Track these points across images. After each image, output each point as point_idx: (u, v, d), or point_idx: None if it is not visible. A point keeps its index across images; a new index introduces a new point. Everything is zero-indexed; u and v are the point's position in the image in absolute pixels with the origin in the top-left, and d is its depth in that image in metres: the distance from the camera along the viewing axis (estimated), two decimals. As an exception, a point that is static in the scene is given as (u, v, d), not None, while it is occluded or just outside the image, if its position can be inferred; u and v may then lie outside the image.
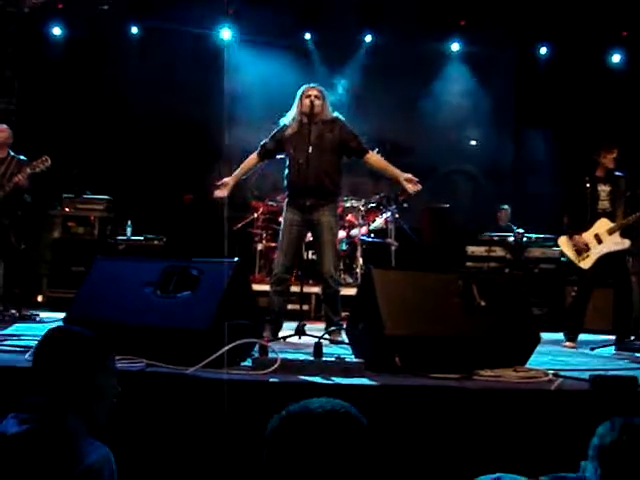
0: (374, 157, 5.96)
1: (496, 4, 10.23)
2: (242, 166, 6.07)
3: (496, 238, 9.47)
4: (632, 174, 6.72)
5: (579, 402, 3.54)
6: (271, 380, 3.56)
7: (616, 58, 10.89)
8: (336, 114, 5.92)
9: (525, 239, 9.30)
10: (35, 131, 9.62)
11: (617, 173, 6.64)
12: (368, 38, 11.08)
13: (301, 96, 5.82)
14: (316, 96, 5.77)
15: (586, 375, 3.87)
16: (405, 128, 10.98)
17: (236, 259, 4.15)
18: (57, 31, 10.62)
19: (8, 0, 9.76)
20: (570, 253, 6.65)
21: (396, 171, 5.81)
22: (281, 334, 5.65)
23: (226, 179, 5.99)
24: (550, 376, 3.97)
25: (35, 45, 10.24)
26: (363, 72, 11.19)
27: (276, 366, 3.70)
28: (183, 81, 10.76)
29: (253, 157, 6.03)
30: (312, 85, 5.90)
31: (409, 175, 5.70)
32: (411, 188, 5.69)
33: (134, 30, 10.75)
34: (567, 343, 6.44)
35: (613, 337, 6.43)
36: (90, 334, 2.33)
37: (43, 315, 7.07)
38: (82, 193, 9.27)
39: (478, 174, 11.33)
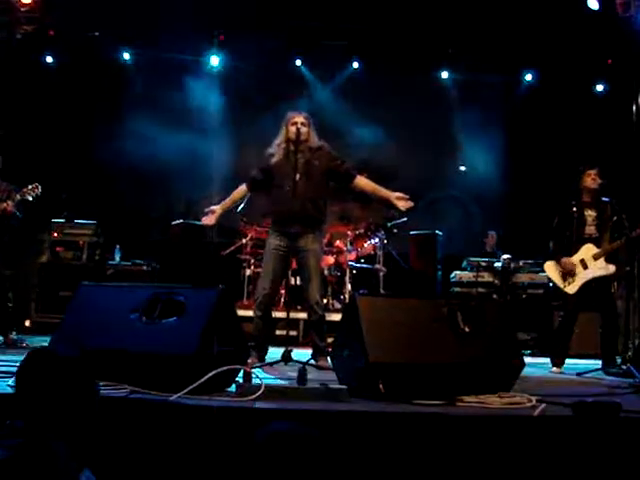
0: (363, 180, 5.99)
1: (483, 32, 10.35)
2: (231, 196, 6.10)
3: (484, 263, 9.52)
4: (617, 200, 6.78)
5: (561, 428, 3.55)
6: (255, 406, 3.56)
7: (599, 87, 11.04)
8: (322, 142, 5.95)
9: (512, 264, 9.34)
10: (24, 156, 9.64)
11: (603, 199, 6.69)
12: (355, 64, 11.17)
13: (287, 123, 5.85)
14: (302, 123, 5.80)
15: (570, 401, 3.87)
16: (392, 154, 11.05)
17: (221, 286, 4.16)
18: (49, 58, 10.67)
19: (1, 27, 9.84)
20: (556, 278, 6.68)
21: (386, 191, 5.88)
22: (268, 359, 5.65)
23: (214, 207, 6.03)
24: (534, 402, 3.97)
25: (26, 71, 10.29)
26: (350, 98, 11.29)
27: (260, 392, 3.69)
28: (172, 107, 10.83)
29: (242, 188, 6.06)
30: (298, 112, 5.93)
31: (399, 193, 5.78)
32: (403, 205, 5.77)
33: (125, 56, 10.81)
34: (553, 368, 6.46)
35: (599, 362, 6.45)
36: (72, 355, 2.30)
37: (30, 341, 7.03)
38: (71, 218, 9.28)
39: (466, 200, 11.40)
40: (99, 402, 2.38)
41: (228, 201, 6.09)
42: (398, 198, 5.76)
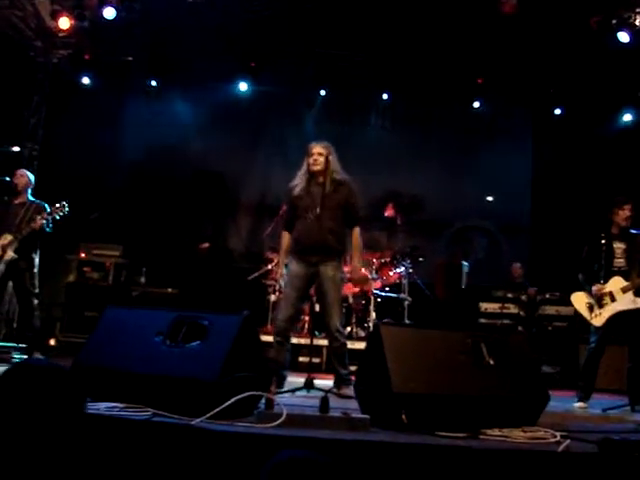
0: (356, 233, 6.06)
1: (513, 63, 10.36)
2: (283, 248, 6.14)
3: (510, 295, 9.44)
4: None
5: (586, 465, 3.48)
6: (277, 434, 3.54)
7: (627, 117, 10.97)
8: (346, 177, 5.98)
9: (539, 296, 9.26)
10: (56, 176, 9.80)
11: (632, 231, 6.63)
12: (384, 96, 11.19)
13: (307, 154, 5.92)
14: (319, 153, 5.83)
15: (596, 437, 3.80)
16: (422, 183, 11.08)
17: (245, 311, 4.17)
18: (84, 80, 10.84)
19: (38, 51, 10.08)
20: (582, 310, 6.60)
21: (356, 256, 6.07)
22: (291, 386, 5.63)
23: (279, 270, 6.17)
24: (559, 437, 3.91)
25: (61, 93, 10.48)
26: (378, 128, 11.35)
27: (282, 420, 3.68)
28: (200, 131, 10.97)
29: (286, 235, 6.10)
30: (317, 142, 5.96)
31: (354, 267, 6.13)
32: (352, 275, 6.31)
33: (153, 83, 10.95)
34: (579, 403, 6.35)
35: (626, 398, 6.34)
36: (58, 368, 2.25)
37: (54, 359, 7.08)
38: (99, 239, 9.38)
39: (494, 230, 11.36)
40: (86, 418, 2.28)
41: (282, 254, 6.15)
42: (353, 269, 6.20)
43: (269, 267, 9.17)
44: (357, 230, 6.03)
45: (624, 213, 6.58)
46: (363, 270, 8.95)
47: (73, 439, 2.17)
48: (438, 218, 10.95)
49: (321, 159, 5.81)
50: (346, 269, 6.70)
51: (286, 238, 6.08)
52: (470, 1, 9.36)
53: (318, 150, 5.85)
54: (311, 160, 5.82)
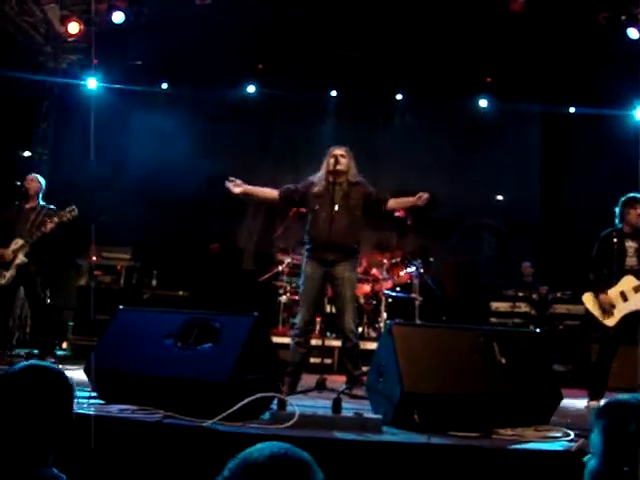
0: (392, 202, 6.12)
1: (522, 61, 10.33)
2: (261, 189, 6.32)
3: (521, 294, 9.41)
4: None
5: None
6: (289, 434, 3.54)
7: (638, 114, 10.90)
8: (360, 177, 6.08)
9: (550, 295, 9.22)
10: (66, 181, 9.85)
11: None
12: (399, 96, 11.17)
13: (328, 156, 6.00)
14: (342, 155, 5.98)
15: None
16: (432, 182, 11.06)
17: (256, 313, 4.17)
18: (92, 84, 10.89)
19: (48, 56, 10.13)
20: (594, 310, 6.55)
21: (410, 200, 6.02)
22: (302, 387, 5.64)
23: (239, 181, 6.11)
24: (572, 436, 3.90)
25: (70, 98, 10.53)
26: (387, 127, 11.36)
27: (294, 420, 3.69)
28: (209, 133, 10.99)
29: (274, 192, 6.21)
30: (339, 146, 6.10)
31: (420, 194, 5.93)
32: (421, 202, 5.91)
33: (164, 85, 10.97)
34: (591, 402, 6.32)
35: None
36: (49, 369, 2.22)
37: (66, 362, 7.11)
38: (109, 243, 9.41)
39: (504, 229, 11.32)
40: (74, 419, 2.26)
41: (256, 189, 6.26)
42: (417, 198, 5.91)
43: (279, 268, 9.17)
44: (391, 199, 6.09)
45: (636, 212, 6.54)
46: (374, 271, 8.97)
47: (61, 442, 2.17)
48: (449, 217, 10.92)
49: (344, 161, 5.95)
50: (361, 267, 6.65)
51: (270, 192, 6.24)
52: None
53: (340, 152, 6.00)
54: (332, 161, 5.90)
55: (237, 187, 6.07)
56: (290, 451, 1.55)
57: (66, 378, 2.22)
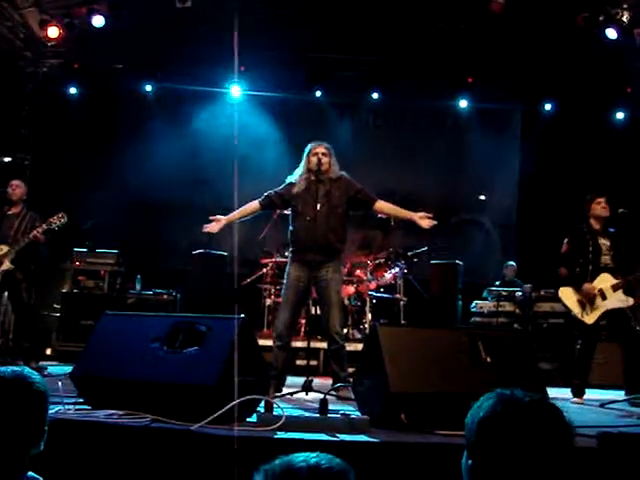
0: (383, 204, 6.02)
1: (502, 62, 10.41)
2: (241, 209, 6.06)
3: (505, 293, 9.46)
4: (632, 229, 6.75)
5: (586, 460, 3.50)
6: (276, 436, 3.56)
7: (619, 115, 11.02)
8: (342, 172, 5.98)
9: (533, 294, 9.27)
10: (48, 185, 9.81)
11: (610, 229, 6.66)
12: (375, 95, 11.21)
13: (308, 153, 5.91)
14: (323, 153, 5.86)
15: (594, 432, 3.81)
16: (414, 181, 11.12)
17: (242, 316, 4.18)
18: (73, 90, 10.84)
19: (28, 61, 10.07)
20: (572, 306, 6.58)
21: (408, 212, 5.90)
22: (288, 390, 5.63)
23: (219, 216, 5.98)
24: (557, 433, 3.91)
25: (51, 103, 10.48)
26: (370, 127, 11.40)
27: (281, 422, 3.69)
28: (193, 136, 10.98)
29: (254, 204, 6.04)
30: (319, 143, 5.98)
31: (422, 213, 5.79)
32: (427, 224, 5.76)
33: (148, 88, 10.95)
34: (574, 399, 6.38)
35: (623, 392, 6.36)
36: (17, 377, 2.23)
37: (51, 368, 7.09)
38: (93, 247, 9.36)
39: (488, 226, 11.38)
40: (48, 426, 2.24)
41: (236, 214, 6.05)
42: (421, 217, 5.77)
43: (263, 271, 9.17)
44: (381, 202, 6.00)
45: (600, 206, 6.61)
46: (358, 272, 8.98)
47: (35, 447, 2.17)
48: (432, 215, 10.93)
49: (326, 159, 5.84)
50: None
51: (251, 207, 6.02)
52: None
53: (322, 150, 5.88)
54: (315, 159, 5.80)
55: (217, 224, 5.93)
56: (333, 465, 1.53)
57: (32, 383, 2.22)
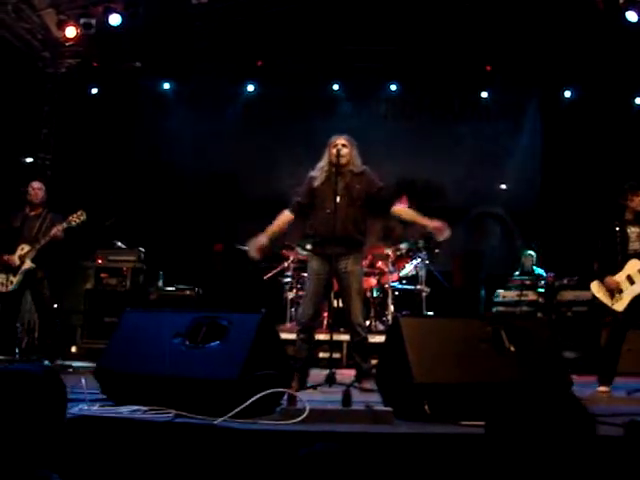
0: (400, 209, 6.00)
1: (520, 49, 10.31)
2: (277, 223, 5.92)
3: (528, 282, 9.37)
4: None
5: (613, 449, 3.45)
6: (300, 429, 3.55)
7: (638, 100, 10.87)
8: (364, 167, 5.92)
9: (556, 282, 9.19)
10: (69, 184, 9.87)
11: None
12: (393, 87, 11.15)
13: (329, 146, 5.86)
14: (343, 145, 5.80)
15: (622, 420, 3.76)
16: (434, 171, 11.07)
17: (263, 310, 4.17)
18: (92, 89, 10.90)
19: (46, 62, 10.13)
20: (603, 297, 6.53)
21: (424, 220, 5.79)
22: (311, 382, 5.63)
23: (262, 238, 5.80)
24: (583, 422, 3.87)
25: (71, 103, 10.54)
26: (390, 119, 11.35)
27: (305, 415, 3.68)
28: (213, 133, 11.00)
29: (287, 215, 5.92)
30: (340, 135, 5.91)
31: (437, 223, 5.68)
32: (440, 236, 5.69)
33: (166, 86, 10.98)
34: (601, 387, 6.30)
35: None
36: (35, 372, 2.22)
37: (76, 365, 7.15)
38: (115, 245, 9.42)
39: (507, 217, 11.29)
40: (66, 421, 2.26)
41: (275, 228, 5.90)
42: (435, 229, 5.68)
43: (285, 265, 9.16)
44: (398, 206, 5.98)
45: (638, 198, 6.52)
46: (380, 264, 8.94)
47: (53, 443, 2.17)
48: (452, 205, 10.87)
49: (346, 150, 5.77)
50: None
51: (285, 217, 5.91)
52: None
53: (342, 142, 5.81)
54: (335, 151, 5.74)
55: (259, 250, 5.76)
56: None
57: (50, 380, 2.22)
